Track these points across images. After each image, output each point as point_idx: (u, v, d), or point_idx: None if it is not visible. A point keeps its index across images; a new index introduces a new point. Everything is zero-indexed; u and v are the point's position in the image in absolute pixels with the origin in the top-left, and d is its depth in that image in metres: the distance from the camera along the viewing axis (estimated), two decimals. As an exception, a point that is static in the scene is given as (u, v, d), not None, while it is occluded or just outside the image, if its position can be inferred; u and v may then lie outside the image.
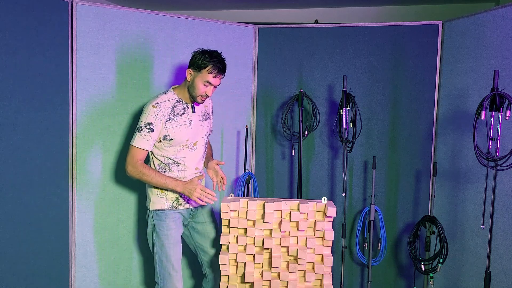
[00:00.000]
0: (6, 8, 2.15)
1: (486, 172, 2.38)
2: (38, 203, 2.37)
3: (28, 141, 2.30)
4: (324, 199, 2.22)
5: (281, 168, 3.14)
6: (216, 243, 2.47)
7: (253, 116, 3.14)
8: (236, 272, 2.25)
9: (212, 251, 2.47)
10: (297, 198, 2.91)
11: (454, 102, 2.76)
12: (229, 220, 2.22)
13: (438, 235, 2.52)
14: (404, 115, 2.93)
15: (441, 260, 2.49)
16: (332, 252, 3.02)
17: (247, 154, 2.92)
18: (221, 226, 2.33)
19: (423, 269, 2.60)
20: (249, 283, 2.25)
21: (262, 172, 3.16)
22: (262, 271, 2.23)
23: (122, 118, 2.65)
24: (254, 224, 2.22)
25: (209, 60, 2.20)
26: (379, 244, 2.86)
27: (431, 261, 2.55)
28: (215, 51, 2.26)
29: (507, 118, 2.08)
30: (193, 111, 2.34)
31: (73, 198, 2.55)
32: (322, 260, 2.22)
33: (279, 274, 2.22)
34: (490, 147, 2.17)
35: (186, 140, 2.30)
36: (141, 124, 2.22)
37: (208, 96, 2.28)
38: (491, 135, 2.19)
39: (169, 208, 2.31)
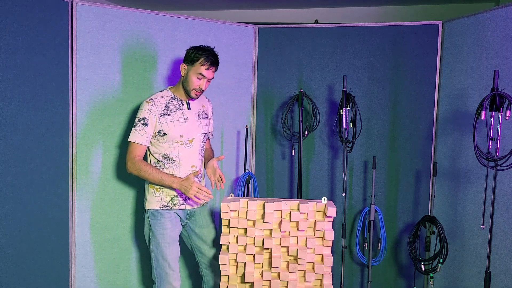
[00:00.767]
0: (6, 8, 2.15)
1: (486, 172, 2.38)
2: (38, 203, 2.37)
3: (28, 141, 2.30)
4: (324, 199, 2.22)
5: (281, 168, 3.14)
6: (214, 246, 2.48)
7: (253, 116, 3.14)
8: (236, 272, 2.25)
9: (209, 253, 2.47)
10: (297, 198, 2.91)
11: (454, 102, 2.76)
12: (229, 220, 2.22)
13: (438, 235, 2.52)
14: (404, 115, 2.93)
15: (441, 260, 2.49)
16: (332, 252, 3.02)
17: (247, 154, 2.92)
18: (221, 226, 2.33)
19: (423, 269, 2.60)
20: (249, 283, 2.25)
21: (262, 172, 3.16)
22: (262, 271, 2.23)
23: (122, 118, 2.66)
24: (254, 224, 2.22)
25: (201, 53, 2.27)
26: (379, 244, 2.86)
27: (431, 261, 2.55)
28: (208, 46, 2.33)
29: (507, 118, 2.08)
30: (189, 108, 2.36)
31: (73, 198, 2.55)
32: (322, 260, 2.22)
33: (279, 274, 2.22)
34: (490, 147, 2.17)
35: (181, 136, 2.32)
36: (136, 119, 2.29)
37: (203, 91, 2.32)
38: (491, 135, 2.19)
39: (164, 208, 2.33)
